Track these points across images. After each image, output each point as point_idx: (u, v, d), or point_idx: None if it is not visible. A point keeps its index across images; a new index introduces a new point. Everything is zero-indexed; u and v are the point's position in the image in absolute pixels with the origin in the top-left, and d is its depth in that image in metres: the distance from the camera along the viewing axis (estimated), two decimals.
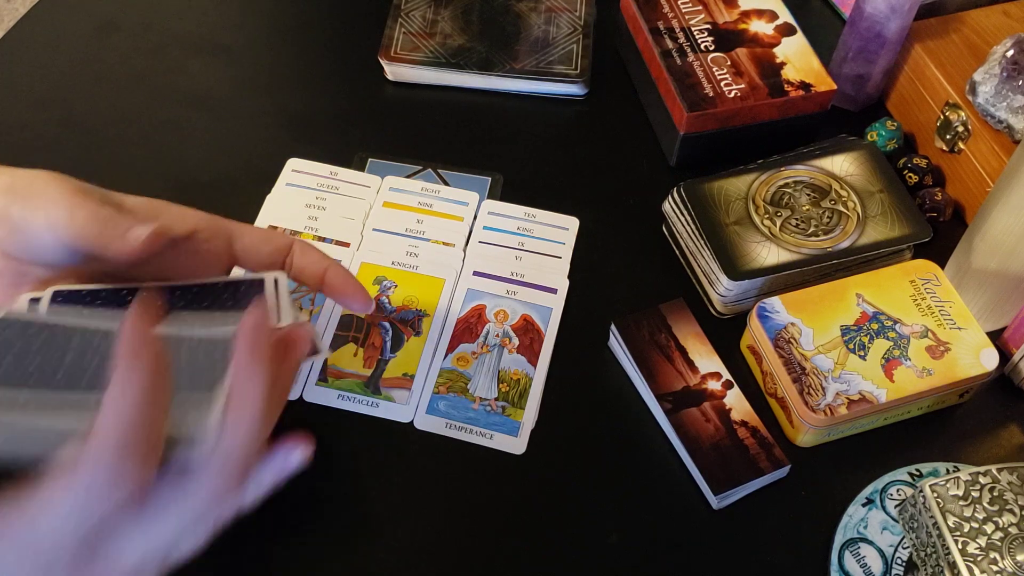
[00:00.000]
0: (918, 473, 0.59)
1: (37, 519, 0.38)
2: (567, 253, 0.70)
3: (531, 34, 0.81)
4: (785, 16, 0.77)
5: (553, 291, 0.67)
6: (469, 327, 0.65)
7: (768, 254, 0.64)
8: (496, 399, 0.62)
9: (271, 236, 0.51)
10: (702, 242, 0.65)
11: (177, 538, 0.41)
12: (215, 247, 0.49)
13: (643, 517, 0.58)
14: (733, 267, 0.63)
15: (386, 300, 0.66)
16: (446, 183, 0.73)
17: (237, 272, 0.50)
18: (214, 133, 0.76)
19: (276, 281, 0.48)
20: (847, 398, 0.58)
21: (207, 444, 0.40)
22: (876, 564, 0.55)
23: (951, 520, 0.50)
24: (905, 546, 0.56)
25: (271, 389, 0.41)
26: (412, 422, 0.61)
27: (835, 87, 0.72)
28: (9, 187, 0.44)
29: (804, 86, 0.72)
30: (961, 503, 0.51)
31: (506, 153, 0.76)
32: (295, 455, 0.44)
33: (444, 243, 0.69)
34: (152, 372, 0.37)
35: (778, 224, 0.66)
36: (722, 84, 0.71)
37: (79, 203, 0.44)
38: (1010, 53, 0.67)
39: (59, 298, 0.46)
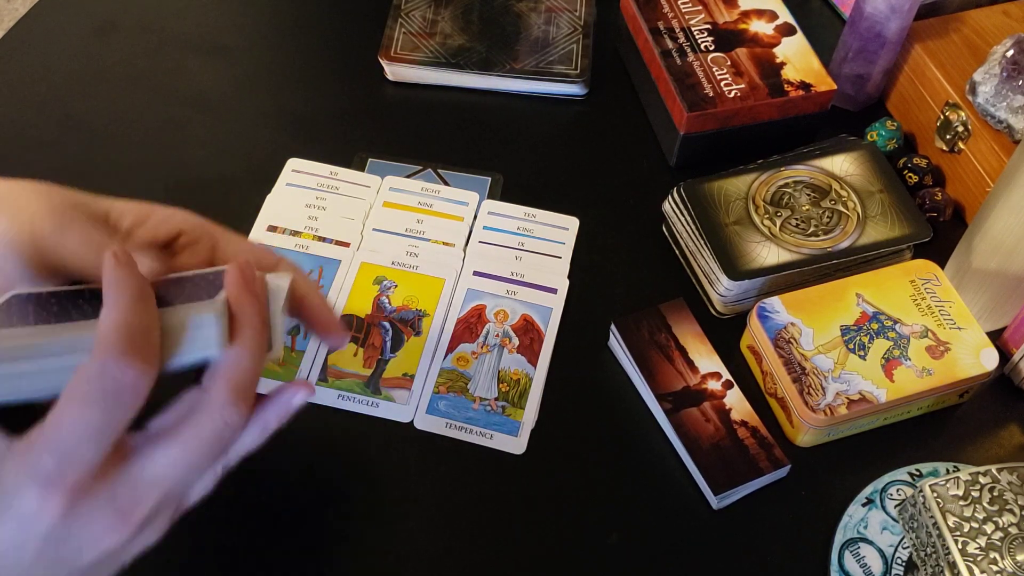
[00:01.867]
0: (918, 473, 0.59)
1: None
2: (567, 253, 0.70)
3: (531, 34, 0.81)
4: (785, 16, 0.77)
5: (553, 291, 0.67)
6: (469, 327, 0.65)
7: (768, 254, 0.64)
8: (496, 399, 0.62)
9: (256, 251, 0.47)
10: (702, 242, 0.65)
11: (197, 464, 0.40)
12: (197, 250, 0.46)
13: (643, 517, 0.58)
14: (733, 267, 0.63)
15: (386, 300, 0.66)
16: (446, 183, 0.73)
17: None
18: (214, 133, 0.76)
19: (267, 282, 0.45)
20: (847, 398, 0.58)
21: (213, 347, 0.40)
22: (876, 564, 0.55)
23: (951, 520, 0.50)
24: (905, 546, 0.56)
25: (262, 320, 0.41)
26: (412, 422, 0.61)
27: (835, 87, 0.72)
28: None
29: (804, 86, 0.72)
30: (961, 503, 0.51)
31: (506, 153, 0.76)
32: (299, 395, 0.43)
33: (444, 243, 0.69)
34: (138, 281, 0.39)
35: (778, 224, 0.66)
36: (722, 84, 0.71)
37: (70, 225, 0.42)
38: (1010, 53, 0.67)
39: (16, 305, 0.42)
